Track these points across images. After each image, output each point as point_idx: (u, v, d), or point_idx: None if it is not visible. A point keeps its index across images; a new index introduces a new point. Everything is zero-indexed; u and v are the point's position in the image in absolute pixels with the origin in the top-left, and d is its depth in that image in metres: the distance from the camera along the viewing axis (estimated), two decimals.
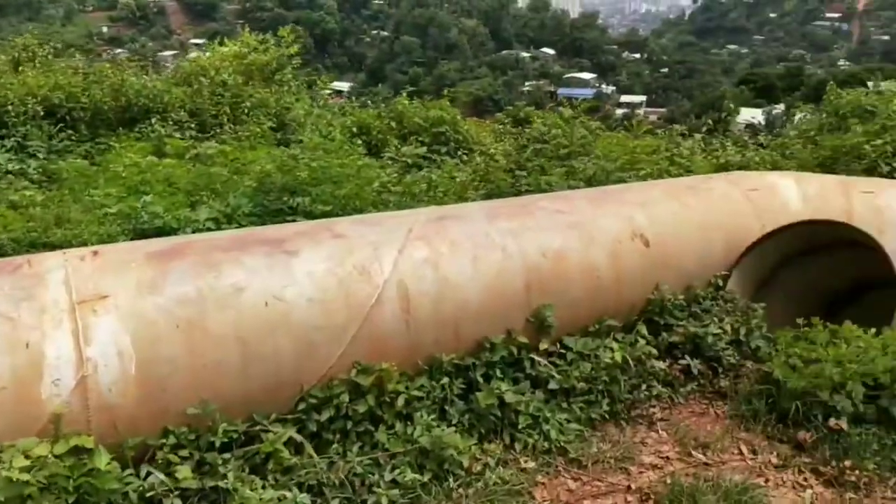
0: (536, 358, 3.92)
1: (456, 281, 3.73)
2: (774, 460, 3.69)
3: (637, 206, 4.57)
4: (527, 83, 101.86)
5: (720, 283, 4.73)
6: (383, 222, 3.92)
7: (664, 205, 4.69)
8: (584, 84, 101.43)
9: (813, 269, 5.12)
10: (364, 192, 7.10)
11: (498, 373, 3.82)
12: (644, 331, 4.34)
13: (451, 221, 3.99)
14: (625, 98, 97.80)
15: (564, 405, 3.88)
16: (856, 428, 3.69)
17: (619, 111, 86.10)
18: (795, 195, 5.01)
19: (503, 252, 3.95)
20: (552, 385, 3.90)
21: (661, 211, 4.62)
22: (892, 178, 7.91)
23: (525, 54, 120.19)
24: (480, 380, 3.76)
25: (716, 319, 4.48)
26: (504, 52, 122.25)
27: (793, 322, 4.18)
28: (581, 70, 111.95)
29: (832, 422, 3.71)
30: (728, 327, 4.46)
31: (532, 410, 3.73)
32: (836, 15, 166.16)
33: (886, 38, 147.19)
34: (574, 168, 7.31)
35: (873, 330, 3.88)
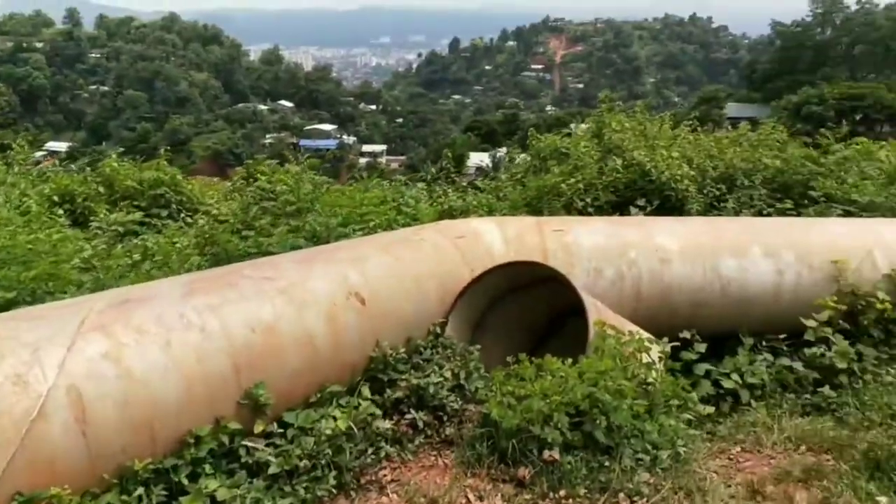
0: (250, 444, 3.59)
1: (145, 375, 3.28)
2: (499, 502, 3.76)
3: (349, 263, 4.49)
4: (268, 136, 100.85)
5: (438, 330, 4.82)
6: (48, 315, 3.35)
7: (378, 259, 4.68)
8: (325, 135, 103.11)
9: (517, 306, 5.47)
10: (61, 271, 6.19)
11: (207, 469, 3.42)
12: (367, 392, 4.23)
13: (137, 304, 3.53)
14: (366, 147, 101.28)
15: (287, 489, 3.58)
16: (567, 456, 3.90)
17: (363, 160, 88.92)
18: (498, 239, 5.33)
19: (203, 332, 3.58)
20: (272, 469, 3.59)
21: (375, 266, 4.60)
22: (586, 212, 8.93)
23: (262, 107, 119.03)
24: (186, 481, 3.33)
25: (437, 368, 4.54)
26: (240, 104, 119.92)
27: (507, 360, 4.39)
28: (321, 121, 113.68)
29: (546, 454, 3.88)
30: (449, 374, 4.53)
31: (249, 503, 3.38)
32: (540, 66, 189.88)
33: (581, 85, 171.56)
34: (297, 226, 7.13)
35: (570, 360, 4.17)
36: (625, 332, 4.48)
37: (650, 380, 4.33)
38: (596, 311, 4.59)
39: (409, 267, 4.80)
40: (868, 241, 5.89)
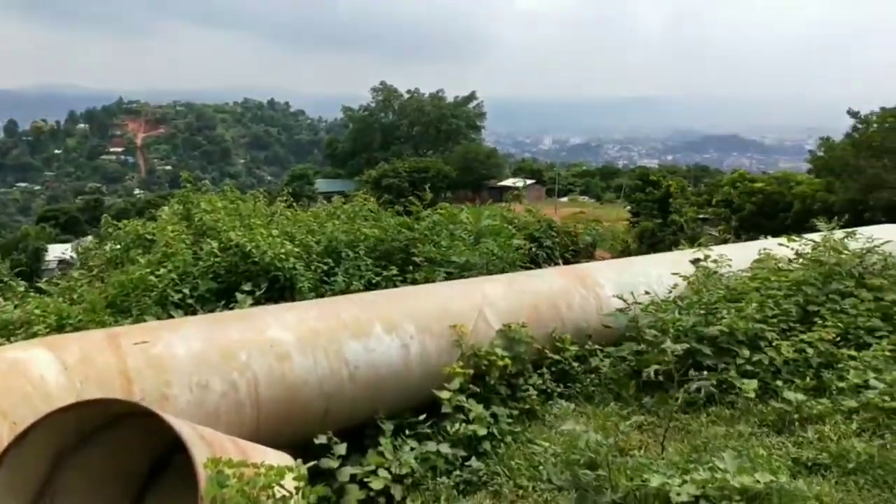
0: None
1: None
2: None
3: None
4: None
5: None
6: None
7: None
8: None
9: (104, 451, 4.00)
10: None
11: None
12: None
13: None
14: None
15: None
16: None
17: None
18: (53, 368, 3.80)
19: None
20: None
21: None
22: (185, 305, 7.63)
23: None
24: None
25: None
26: None
27: None
28: None
29: None
30: None
31: None
32: (120, 149, 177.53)
33: (169, 167, 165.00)
34: None
35: None
36: (249, 463, 3.43)
37: None
38: (205, 446, 3.44)
39: None
40: (477, 300, 5.92)
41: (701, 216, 34.20)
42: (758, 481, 2.91)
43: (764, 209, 32.04)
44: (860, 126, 27.37)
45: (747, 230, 32.68)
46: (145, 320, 7.08)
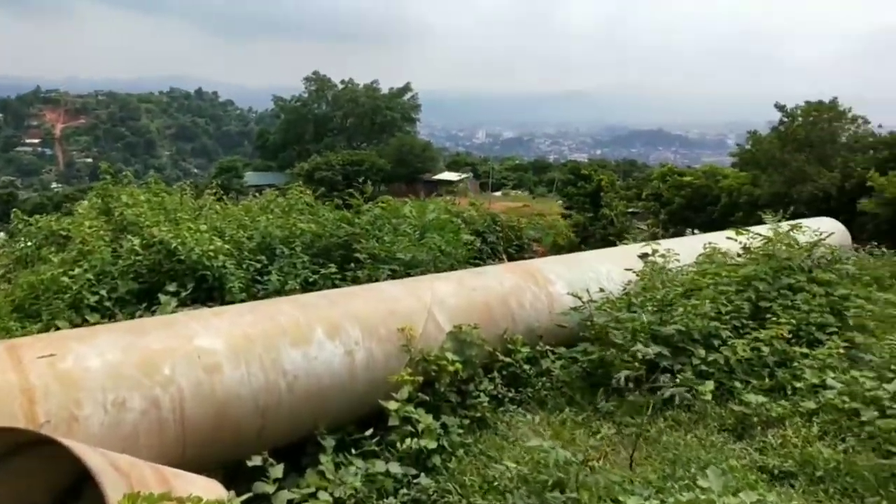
0: None
1: None
2: None
3: None
4: None
5: None
6: None
7: None
8: None
9: (8, 477, 3.47)
10: None
11: None
12: None
13: None
14: None
15: None
16: None
17: None
18: None
19: None
20: None
21: None
22: (102, 308, 7.01)
23: None
24: None
25: None
26: None
27: None
28: None
29: None
30: None
31: None
32: (37, 141, 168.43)
33: (90, 160, 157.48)
34: None
35: None
36: (173, 497, 2.99)
37: None
38: (120, 478, 2.97)
39: None
40: (426, 299, 5.57)
41: (630, 210, 34.79)
42: (744, 501, 2.67)
43: (692, 203, 32.77)
44: (786, 120, 28.23)
45: (675, 224, 33.42)
46: (57, 326, 6.46)
